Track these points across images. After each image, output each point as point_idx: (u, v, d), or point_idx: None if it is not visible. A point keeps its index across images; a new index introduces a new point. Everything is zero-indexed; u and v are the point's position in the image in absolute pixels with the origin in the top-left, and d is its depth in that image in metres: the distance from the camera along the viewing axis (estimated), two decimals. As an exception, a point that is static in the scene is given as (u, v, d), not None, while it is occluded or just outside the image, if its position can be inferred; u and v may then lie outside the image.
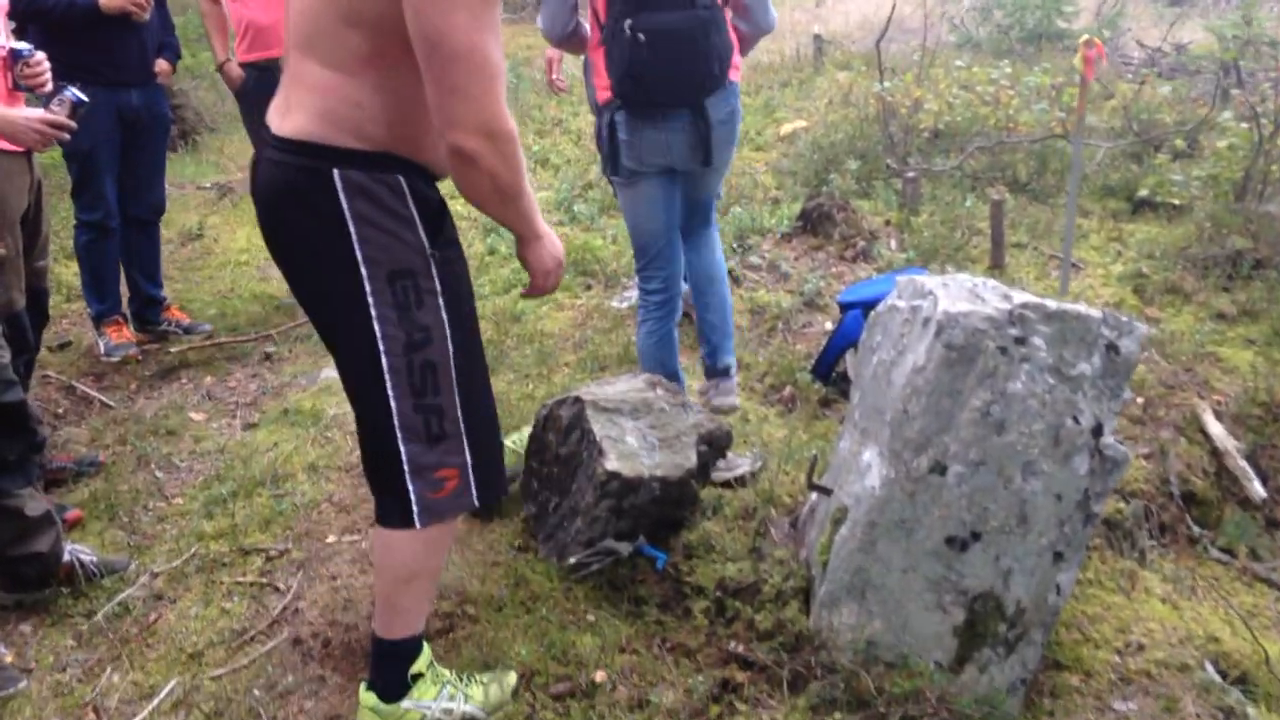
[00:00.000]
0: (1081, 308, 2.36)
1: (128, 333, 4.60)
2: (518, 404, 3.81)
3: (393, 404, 2.08)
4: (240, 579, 3.05)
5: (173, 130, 4.96)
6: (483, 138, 1.88)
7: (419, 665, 2.40)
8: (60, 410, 4.11)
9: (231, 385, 4.33)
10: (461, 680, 2.47)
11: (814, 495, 2.84)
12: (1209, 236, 4.87)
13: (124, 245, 4.55)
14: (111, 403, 4.18)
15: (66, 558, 2.95)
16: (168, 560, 3.14)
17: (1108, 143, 6.13)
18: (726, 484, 3.26)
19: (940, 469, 2.36)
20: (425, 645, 2.43)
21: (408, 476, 2.13)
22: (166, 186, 4.80)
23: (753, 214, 5.56)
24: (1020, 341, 2.31)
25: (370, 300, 2.01)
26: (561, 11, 3.36)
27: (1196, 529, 3.49)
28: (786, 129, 7.15)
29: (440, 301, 2.06)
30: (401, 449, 2.11)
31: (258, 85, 4.66)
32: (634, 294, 4.55)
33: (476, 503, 2.20)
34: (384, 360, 2.05)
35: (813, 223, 5.27)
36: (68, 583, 2.96)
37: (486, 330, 4.22)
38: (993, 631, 2.44)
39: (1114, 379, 2.38)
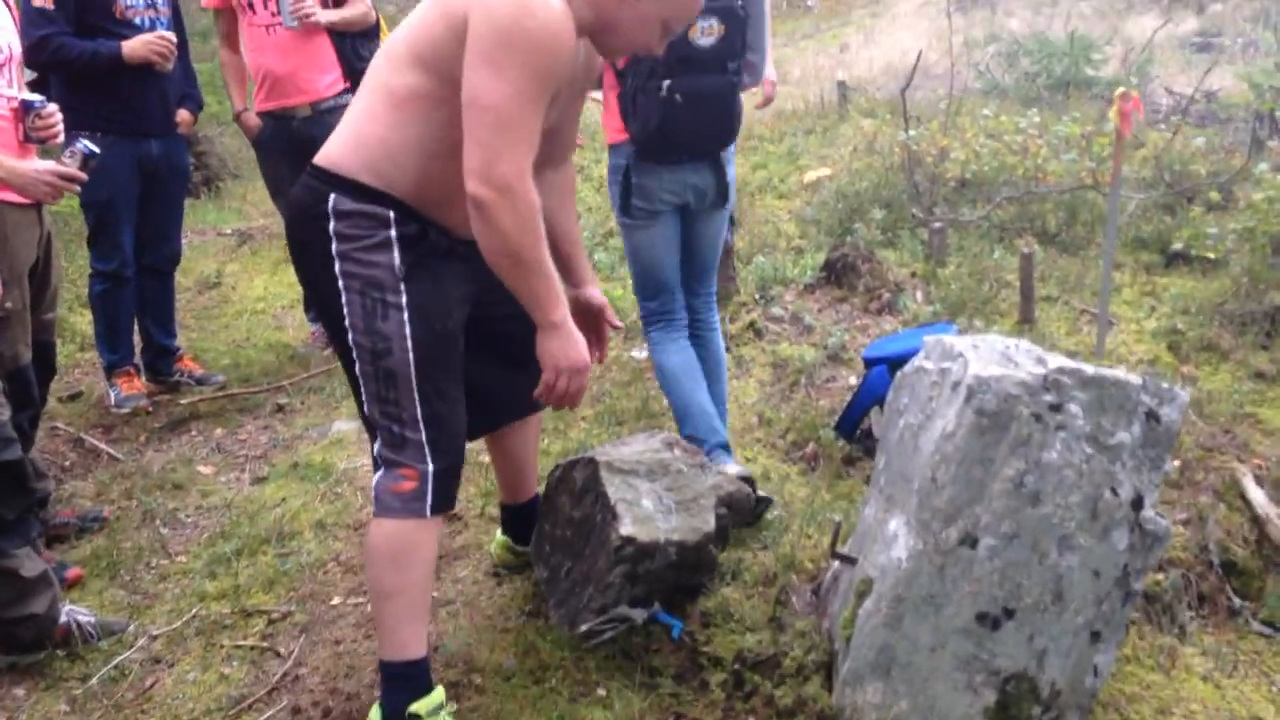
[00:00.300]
0: (1120, 373, 2.25)
1: (139, 384, 4.54)
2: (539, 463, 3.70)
3: (365, 404, 2.34)
4: (241, 642, 2.95)
5: (195, 177, 4.94)
6: (494, 190, 2.05)
7: (421, 706, 2.36)
8: (67, 463, 4.05)
9: (242, 438, 4.26)
10: None
11: (837, 563, 2.72)
12: (1246, 292, 4.73)
13: (139, 295, 4.51)
14: (119, 455, 4.11)
15: (64, 619, 2.87)
16: (168, 621, 3.05)
17: (1140, 194, 6.01)
18: (746, 547, 3.15)
19: (971, 541, 2.24)
20: (438, 691, 2.41)
21: (379, 463, 2.35)
22: (187, 233, 4.78)
23: (775, 264, 5.47)
24: (1055, 408, 2.20)
25: (345, 310, 2.25)
26: None
27: (1237, 600, 3.32)
28: (810, 177, 7.08)
29: (405, 316, 2.23)
30: (374, 443, 2.36)
31: (274, 134, 4.64)
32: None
33: (429, 513, 2.31)
34: (356, 365, 2.31)
35: (837, 273, 5.17)
36: (64, 645, 2.87)
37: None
38: (1026, 714, 2.30)
39: (1155, 449, 2.26)
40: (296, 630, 2.97)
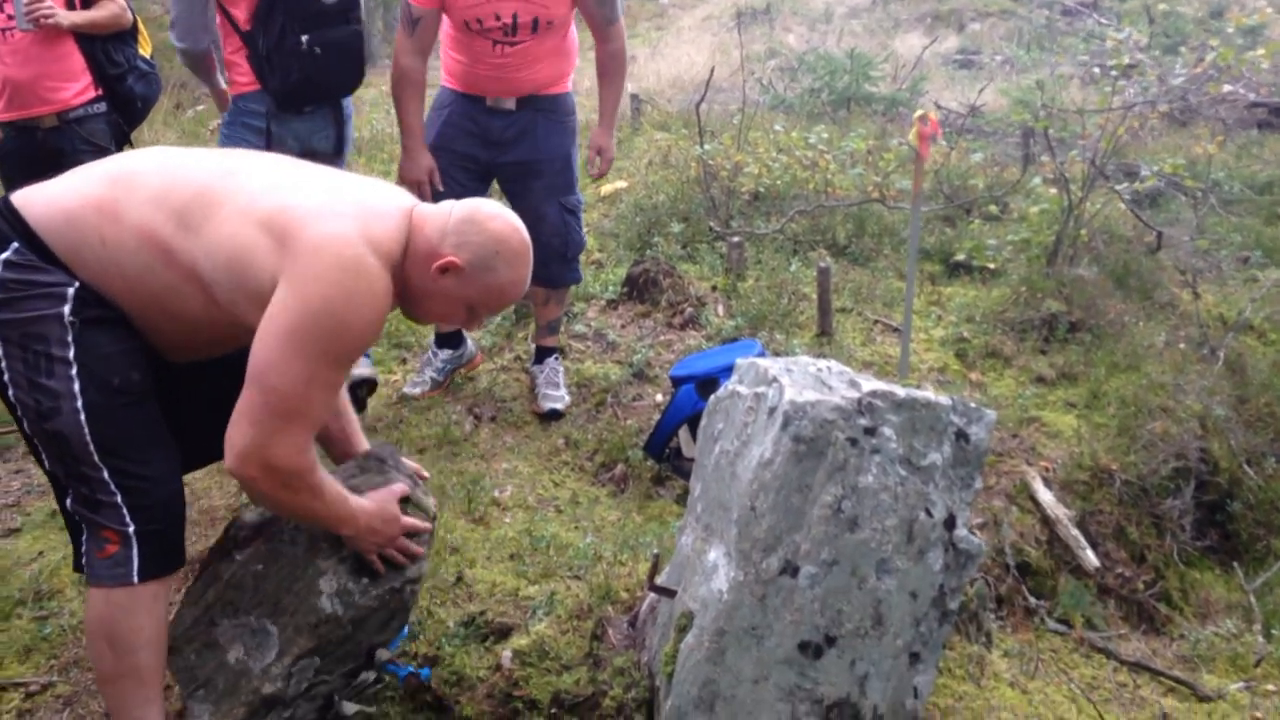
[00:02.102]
0: (930, 395, 2.26)
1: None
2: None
3: (45, 461, 2.14)
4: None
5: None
6: (261, 472, 2.02)
7: None
8: None
9: (-11, 486, 3.82)
10: None
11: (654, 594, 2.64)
12: (1024, 300, 4.97)
13: None
14: None
15: None
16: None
17: (924, 207, 6.25)
18: (559, 578, 3.04)
19: (792, 570, 2.19)
20: None
21: (83, 526, 2.13)
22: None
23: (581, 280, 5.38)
24: (870, 432, 2.18)
25: (2, 368, 2.03)
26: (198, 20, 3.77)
27: (1033, 600, 3.46)
28: (607, 189, 7.03)
29: (73, 372, 2.02)
30: (69, 504, 2.14)
31: (17, 146, 4.18)
32: (428, 375, 4.29)
33: (136, 578, 2.10)
34: (25, 425, 2.09)
35: (639, 288, 5.13)
36: None
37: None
38: (850, 742, 2.28)
39: (965, 468, 2.28)
40: (60, 704, 2.65)
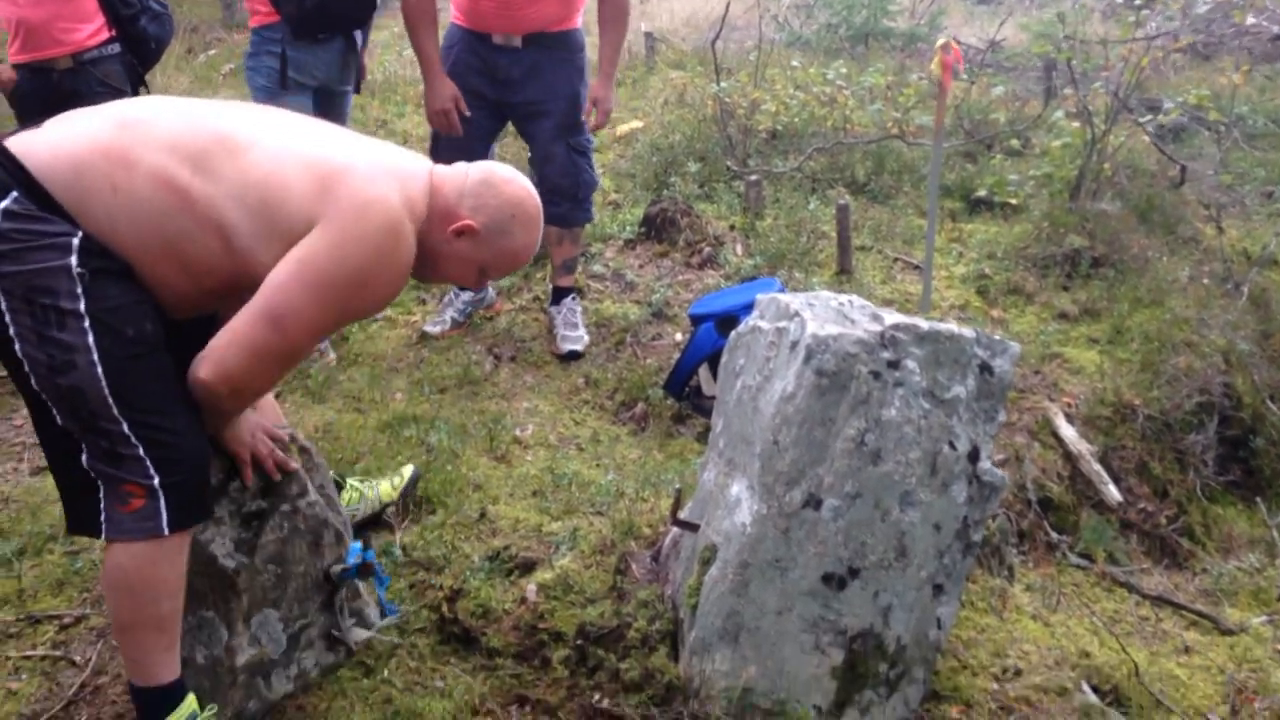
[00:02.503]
0: (954, 327, 2.24)
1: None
2: (348, 434, 3.50)
3: (58, 417, 2.04)
4: (30, 652, 2.65)
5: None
6: (229, 389, 2.04)
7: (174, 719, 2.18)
8: None
9: (18, 424, 3.84)
10: None
11: (676, 529, 2.65)
12: (1047, 236, 4.92)
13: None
14: None
15: None
16: (-59, 636, 2.72)
17: (944, 143, 6.17)
18: (581, 514, 3.06)
19: (815, 503, 2.20)
20: (188, 701, 2.21)
21: (99, 485, 2.06)
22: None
23: (594, 219, 5.35)
24: (893, 365, 2.17)
25: (8, 322, 1.94)
26: None
27: (1055, 535, 3.46)
28: (623, 129, 6.97)
29: (86, 324, 1.94)
30: (86, 461, 2.05)
31: (33, 89, 4.18)
32: (449, 315, 4.30)
33: (166, 530, 2.04)
34: (32, 381, 1.99)
35: (656, 228, 5.10)
36: None
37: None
38: (873, 671, 2.30)
39: (989, 401, 2.27)
40: (92, 636, 2.69)
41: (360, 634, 2.49)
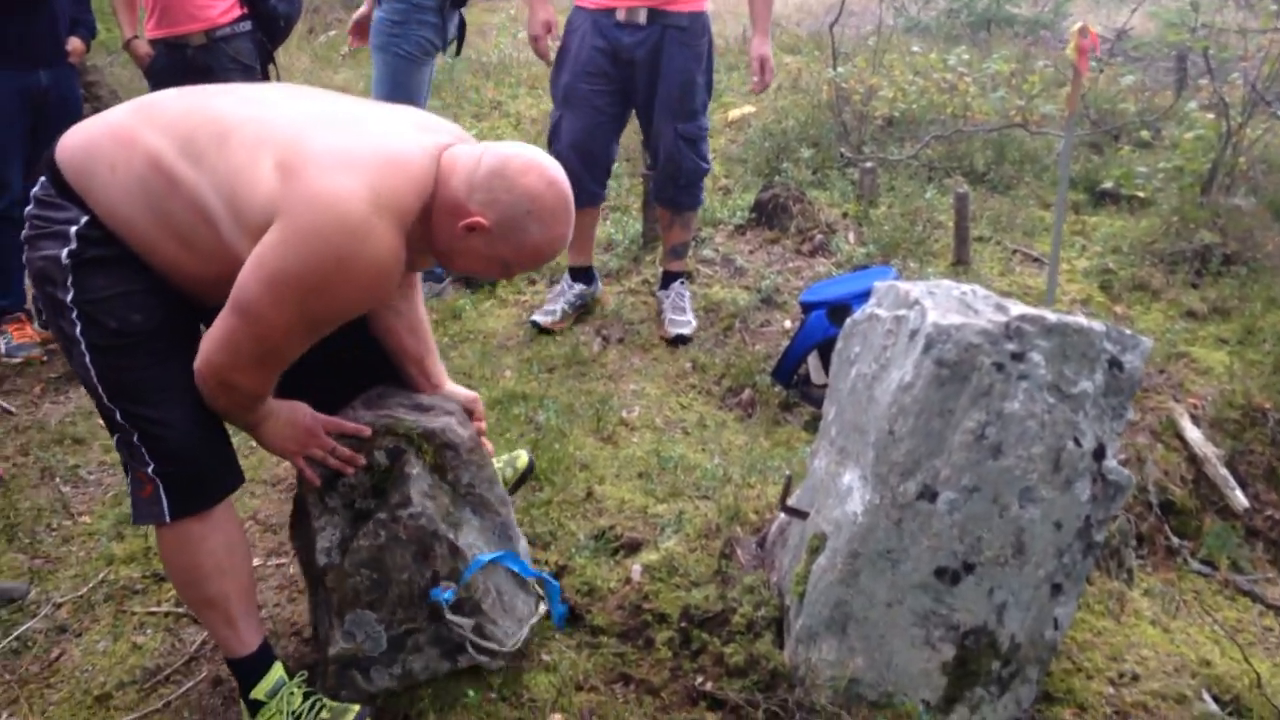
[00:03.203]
0: (1082, 320, 2.16)
1: (31, 331, 4.24)
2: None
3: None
4: (154, 609, 2.76)
5: (86, 109, 4.63)
6: (221, 386, 2.01)
7: (260, 690, 2.23)
8: (-46, 418, 3.77)
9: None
10: (307, 712, 2.23)
11: (784, 515, 2.63)
12: (1176, 231, 4.74)
13: (28, 236, 4.19)
14: (12, 409, 3.83)
15: (-44, 589, 2.65)
16: (73, 587, 2.85)
17: (1067, 133, 5.99)
18: (687, 498, 3.05)
19: (930, 495, 2.15)
20: (274, 669, 2.26)
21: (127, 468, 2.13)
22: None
23: (704, 204, 5.32)
24: (1018, 357, 2.11)
25: (41, 307, 2.08)
26: None
27: (1176, 540, 3.34)
28: (734, 114, 6.92)
29: (74, 315, 1.98)
30: (115, 445, 2.13)
31: (168, 64, 4.32)
32: (560, 306, 4.30)
33: (168, 517, 2.08)
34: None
35: (767, 214, 5.05)
36: (-43, 617, 2.66)
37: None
38: (985, 669, 2.24)
39: (1117, 397, 2.19)
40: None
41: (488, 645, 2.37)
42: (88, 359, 2.00)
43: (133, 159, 1.93)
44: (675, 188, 4.04)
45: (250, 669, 2.24)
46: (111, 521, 3.11)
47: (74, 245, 1.95)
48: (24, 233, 2.01)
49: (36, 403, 3.92)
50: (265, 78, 4.34)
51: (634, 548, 2.85)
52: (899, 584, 2.21)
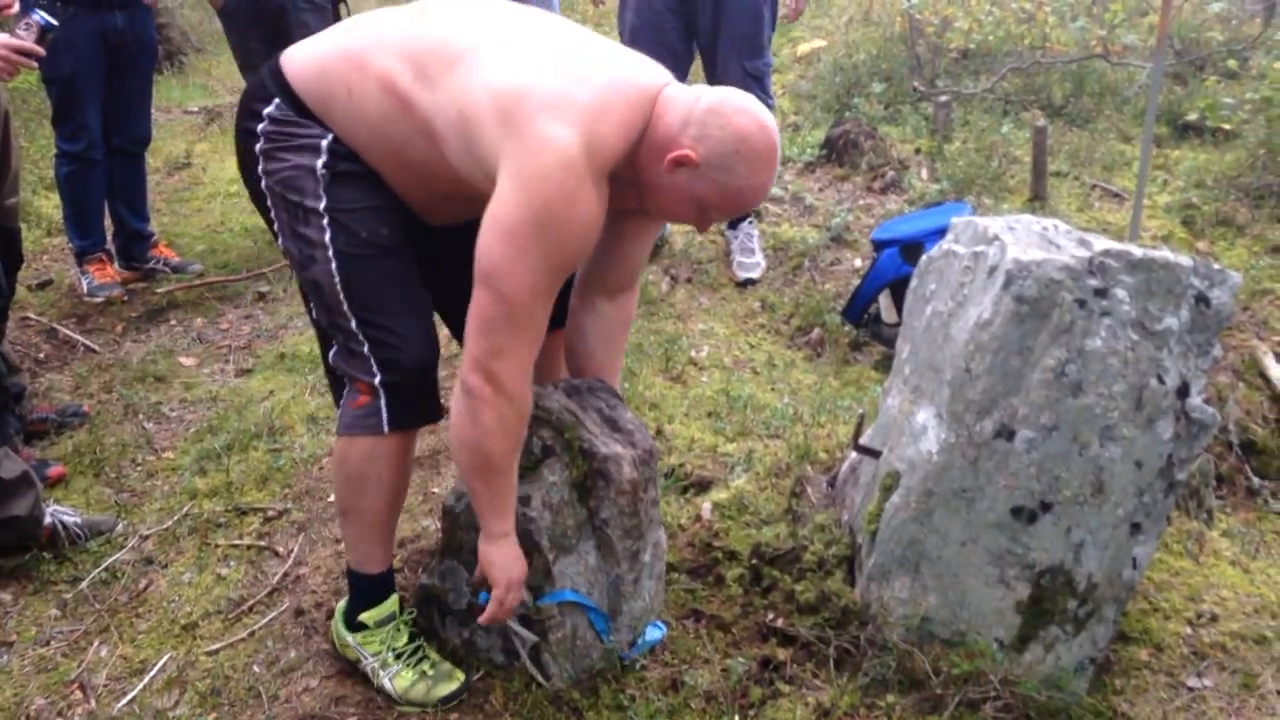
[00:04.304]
0: (1169, 255, 2.10)
1: (112, 271, 4.34)
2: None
3: (313, 313, 2.22)
4: (237, 542, 2.84)
5: (159, 52, 4.69)
6: (491, 385, 1.93)
7: (370, 616, 2.30)
8: (41, 355, 3.87)
9: (224, 327, 4.09)
10: (409, 654, 2.30)
11: (855, 454, 2.61)
12: (1263, 164, 4.58)
13: (108, 177, 4.27)
14: (96, 347, 3.94)
15: (48, 520, 2.74)
16: (158, 521, 2.93)
17: (1149, 63, 5.79)
18: (756, 437, 3.04)
19: (1007, 434, 2.12)
20: (390, 600, 2.32)
21: (342, 379, 2.19)
22: (153, 112, 4.51)
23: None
24: (1101, 294, 2.06)
25: (273, 216, 2.11)
26: None
27: (1257, 480, 3.27)
28: (804, 49, 6.80)
29: (324, 222, 2.04)
30: (330, 353, 2.20)
31: (241, 4, 4.33)
32: None
33: (386, 428, 2.11)
34: (296, 271, 2.15)
35: (838, 151, 4.97)
36: (50, 547, 2.75)
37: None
38: (1061, 608, 2.22)
39: (1203, 334, 2.13)
40: (294, 529, 2.86)
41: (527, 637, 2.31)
42: (333, 265, 2.05)
43: (366, 82, 1.99)
44: None
45: (371, 589, 2.30)
46: (194, 457, 3.19)
47: (326, 157, 2.03)
48: (258, 145, 2.06)
49: (119, 341, 4.02)
50: (336, 15, 4.34)
51: (704, 486, 2.86)
52: (974, 523, 2.19)
